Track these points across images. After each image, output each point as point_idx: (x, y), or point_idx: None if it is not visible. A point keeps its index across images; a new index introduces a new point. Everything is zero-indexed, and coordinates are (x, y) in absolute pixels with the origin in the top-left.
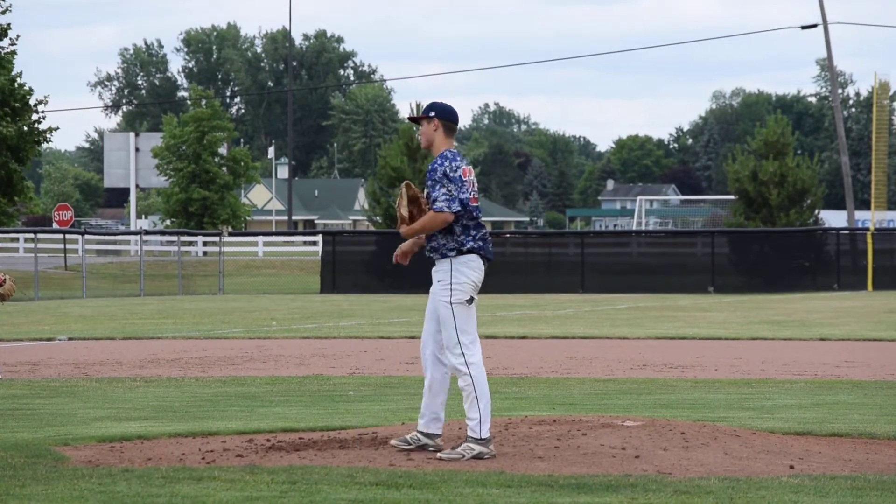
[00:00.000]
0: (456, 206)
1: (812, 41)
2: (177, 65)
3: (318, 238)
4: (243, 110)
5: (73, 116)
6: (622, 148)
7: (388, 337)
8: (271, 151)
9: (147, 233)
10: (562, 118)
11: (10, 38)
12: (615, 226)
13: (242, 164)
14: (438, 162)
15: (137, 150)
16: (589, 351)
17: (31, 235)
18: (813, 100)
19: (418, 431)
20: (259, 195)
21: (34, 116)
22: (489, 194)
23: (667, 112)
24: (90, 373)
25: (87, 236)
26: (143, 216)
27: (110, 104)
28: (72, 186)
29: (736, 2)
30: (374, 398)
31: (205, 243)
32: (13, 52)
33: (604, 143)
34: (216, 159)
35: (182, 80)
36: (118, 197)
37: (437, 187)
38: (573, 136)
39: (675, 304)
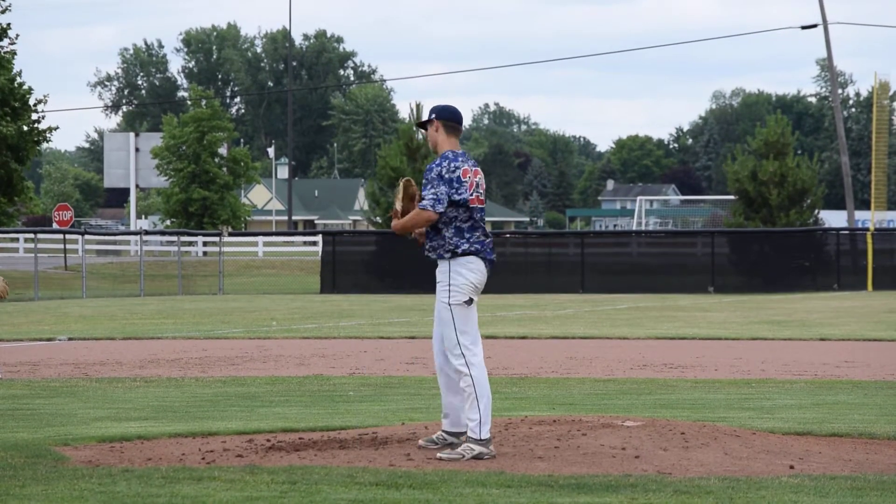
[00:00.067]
0: (441, 207)
1: (812, 41)
2: (177, 65)
3: (318, 238)
4: (243, 110)
5: (73, 116)
6: (622, 148)
7: (388, 337)
8: (271, 151)
9: (147, 233)
10: (562, 118)
11: (10, 38)
12: (615, 226)
13: (242, 164)
14: (437, 162)
15: (137, 150)
16: (589, 351)
17: (31, 235)
18: (813, 100)
19: (444, 431)
20: (259, 195)
21: (34, 116)
22: (489, 194)
23: (667, 112)
24: (90, 373)
25: (87, 236)
26: (143, 216)
27: (110, 104)
28: (72, 186)
29: (736, 2)
30: (374, 398)
31: (205, 243)
32: (13, 52)
33: (604, 143)
34: (216, 159)
35: (182, 81)
36: (118, 197)
37: (428, 187)
38: (573, 136)
39: (675, 304)
